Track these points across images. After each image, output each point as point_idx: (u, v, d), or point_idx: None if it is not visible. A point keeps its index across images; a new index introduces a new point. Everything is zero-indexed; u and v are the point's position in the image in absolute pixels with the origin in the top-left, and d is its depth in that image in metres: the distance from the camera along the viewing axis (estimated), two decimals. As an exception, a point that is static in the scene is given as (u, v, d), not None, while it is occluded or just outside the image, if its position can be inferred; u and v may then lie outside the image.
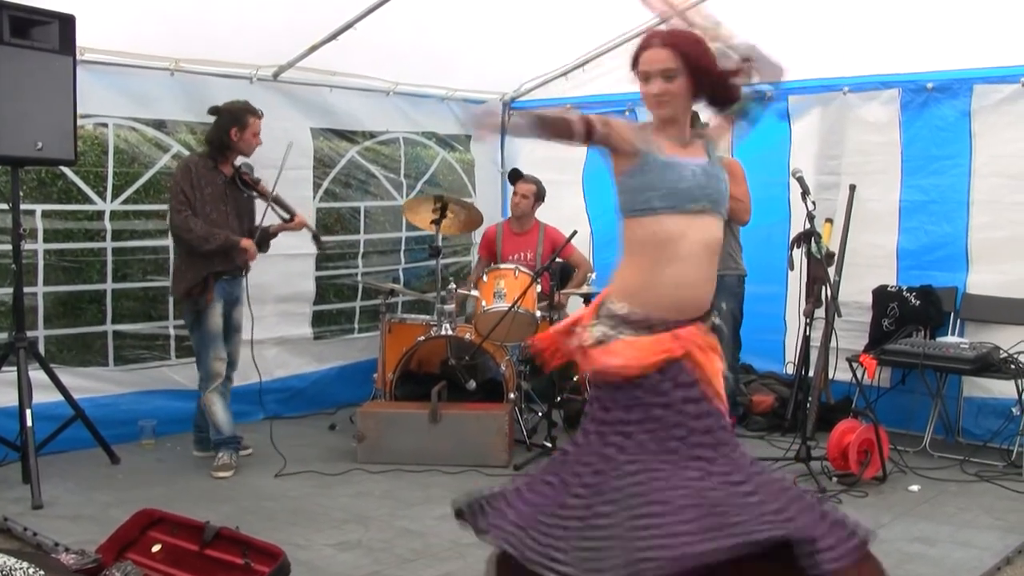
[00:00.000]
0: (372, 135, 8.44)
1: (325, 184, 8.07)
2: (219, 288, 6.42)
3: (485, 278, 7.10)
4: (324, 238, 7.80)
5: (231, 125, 6.38)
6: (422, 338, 7.02)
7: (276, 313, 7.73)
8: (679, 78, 3.38)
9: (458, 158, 9.17)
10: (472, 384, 6.86)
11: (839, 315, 6.86)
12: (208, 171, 6.39)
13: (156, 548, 4.68)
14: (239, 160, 6.57)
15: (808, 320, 6.63)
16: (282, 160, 6.52)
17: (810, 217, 6.45)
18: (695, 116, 3.63)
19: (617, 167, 3.46)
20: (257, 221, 6.66)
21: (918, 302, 7.20)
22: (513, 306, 6.70)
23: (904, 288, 7.30)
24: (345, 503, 5.86)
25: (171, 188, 6.40)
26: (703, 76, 3.41)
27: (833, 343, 7.31)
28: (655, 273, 3.39)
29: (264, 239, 6.72)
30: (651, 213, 3.39)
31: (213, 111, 6.48)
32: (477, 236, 8.60)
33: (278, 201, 6.65)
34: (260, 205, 6.67)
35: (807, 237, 6.46)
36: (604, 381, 3.41)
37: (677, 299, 3.42)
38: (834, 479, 6.24)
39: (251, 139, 6.44)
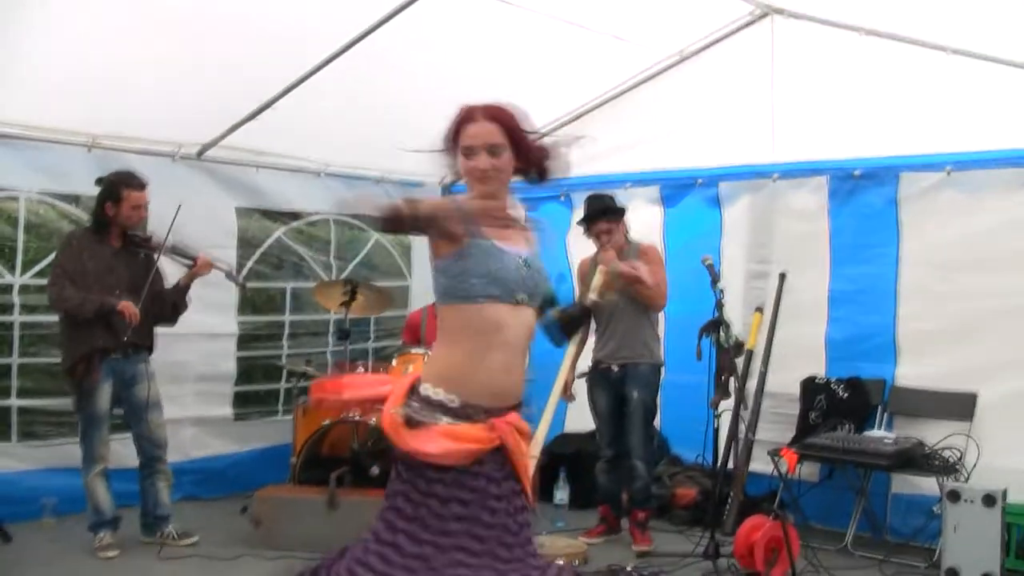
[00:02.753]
0: (300, 216, 8.37)
1: (250, 264, 7.99)
2: (107, 368, 6.25)
3: (395, 362, 6.97)
4: (249, 318, 7.74)
5: (105, 199, 6.26)
6: (327, 422, 6.86)
7: (195, 392, 7.63)
8: (505, 153, 3.29)
9: (393, 240, 9.08)
10: (375, 470, 6.67)
11: (750, 407, 6.68)
12: (92, 244, 6.27)
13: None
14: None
15: (716, 412, 6.44)
16: (172, 218, 6.42)
17: (719, 306, 6.31)
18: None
19: (437, 250, 3.31)
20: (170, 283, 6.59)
21: (846, 394, 7.02)
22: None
23: (832, 380, 7.11)
24: (222, 590, 5.69)
25: (52, 263, 6.32)
26: (525, 151, 3.35)
27: (760, 435, 7.17)
28: (475, 360, 3.26)
29: (178, 296, 6.59)
30: (473, 300, 3.26)
31: (98, 182, 6.35)
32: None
33: (175, 250, 6.51)
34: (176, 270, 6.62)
35: (715, 326, 6.30)
36: (414, 464, 3.25)
37: (496, 387, 3.30)
38: (740, 578, 6.02)
39: (129, 212, 6.28)
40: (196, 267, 6.56)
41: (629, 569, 5.98)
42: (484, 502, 3.22)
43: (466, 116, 3.35)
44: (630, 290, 6.61)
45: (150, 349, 6.55)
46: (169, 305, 6.59)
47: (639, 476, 6.71)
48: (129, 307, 6.15)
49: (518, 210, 3.46)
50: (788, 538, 6.02)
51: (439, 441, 3.19)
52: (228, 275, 6.85)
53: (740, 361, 6.85)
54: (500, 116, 3.33)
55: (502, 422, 3.26)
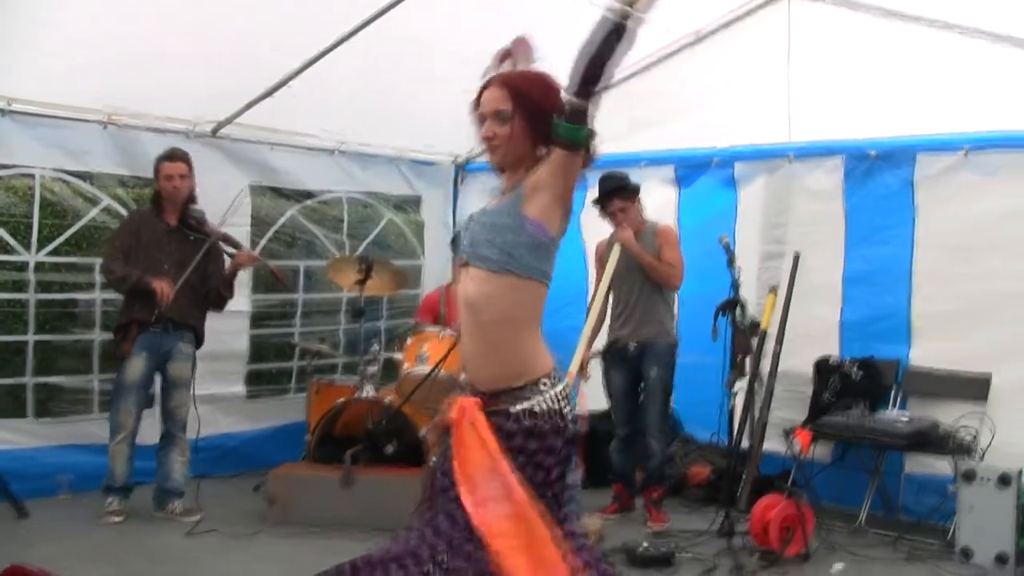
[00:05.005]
0: (314, 194, 8.36)
1: (263, 242, 7.98)
2: (144, 340, 6.42)
3: (409, 341, 6.97)
4: (262, 296, 7.78)
5: (153, 175, 6.56)
6: (341, 400, 6.87)
7: (209, 371, 7.58)
8: (512, 121, 3.14)
9: (407, 219, 9.09)
10: (390, 448, 6.69)
11: (765, 387, 6.68)
12: (150, 220, 6.55)
13: (15, 606, 4.57)
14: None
15: (732, 391, 6.45)
16: (232, 202, 6.79)
17: (735, 286, 6.31)
18: None
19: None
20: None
21: (860, 375, 7.00)
22: (434, 370, 6.54)
23: (846, 360, 7.10)
24: (240, 567, 5.71)
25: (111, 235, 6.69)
26: (541, 119, 3.08)
27: (774, 415, 7.17)
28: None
29: (223, 283, 6.77)
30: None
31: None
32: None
33: (226, 239, 6.75)
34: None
35: (731, 306, 6.30)
36: None
37: (464, 358, 3.27)
38: (755, 556, 6.02)
39: (164, 184, 6.53)
40: (238, 258, 6.77)
41: (644, 546, 5.98)
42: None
43: (485, 84, 3.25)
44: (646, 269, 6.65)
45: (194, 329, 6.69)
46: (213, 291, 6.74)
47: (654, 454, 6.72)
48: (163, 286, 6.32)
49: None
50: (803, 516, 6.05)
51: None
52: (271, 272, 7.01)
53: (755, 341, 6.83)
54: (513, 82, 3.18)
55: (465, 402, 3.16)
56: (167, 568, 5.64)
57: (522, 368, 3.15)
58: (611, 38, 2.93)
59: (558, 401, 3.14)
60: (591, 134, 3.05)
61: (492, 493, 3.06)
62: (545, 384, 3.15)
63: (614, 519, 6.81)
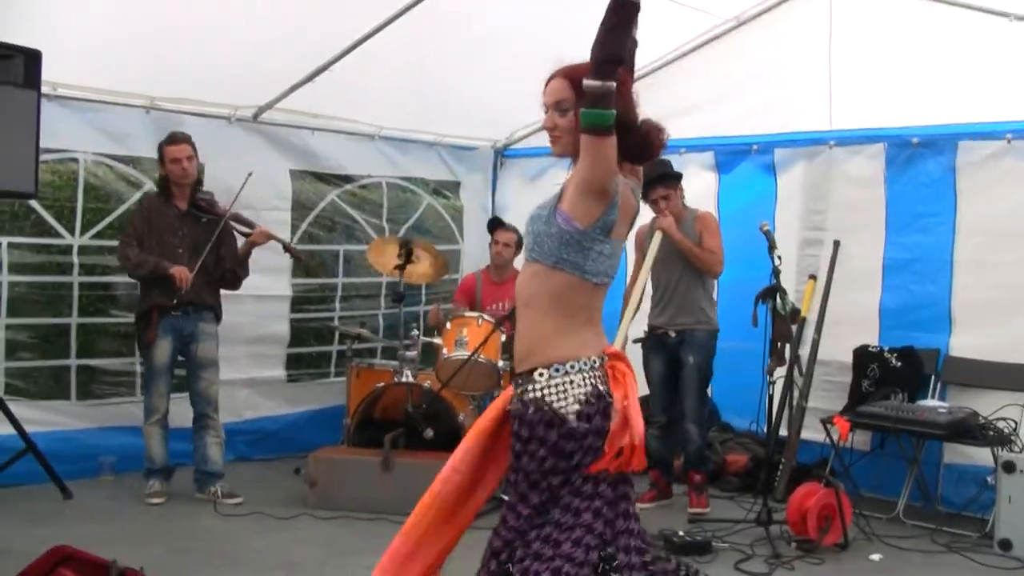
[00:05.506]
0: (354, 179, 8.40)
1: (303, 227, 8.04)
2: (167, 324, 6.49)
3: (449, 326, 7.00)
4: (302, 280, 7.82)
5: (159, 162, 6.62)
6: (381, 384, 6.92)
7: (248, 354, 7.71)
8: (573, 112, 3.10)
9: (446, 204, 9.12)
10: (429, 432, 6.73)
11: (803, 375, 6.67)
12: (160, 206, 6.58)
13: (61, 586, 4.62)
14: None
15: (771, 379, 6.43)
16: (241, 185, 6.72)
17: (776, 273, 6.29)
18: None
19: None
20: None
21: (899, 363, 6.97)
22: (473, 355, 6.57)
23: (885, 349, 7.07)
24: (281, 549, 5.75)
25: (126, 222, 6.70)
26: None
27: (812, 403, 7.16)
28: None
29: (238, 263, 6.82)
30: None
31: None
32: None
33: (237, 218, 6.79)
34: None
35: (772, 293, 6.28)
36: None
37: (516, 350, 3.29)
38: (793, 544, 6.02)
39: (171, 167, 6.56)
40: (253, 237, 6.80)
41: (681, 534, 5.99)
42: None
43: (550, 76, 3.22)
44: (687, 256, 6.65)
45: (213, 309, 6.74)
46: (229, 271, 6.78)
47: (693, 439, 6.73)
48: (182, 272, 6.39)
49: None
50: (841, 506, 6.04)
51: None
52: (285, 247, 7.01)
53: (795, 328, 6.81)
54: (575, 74, 3.10)
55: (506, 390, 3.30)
56: (211, 548, 5.71)
57: (529, 354, 3.19)
58: (625, 13, 2.94)
59: (556, 394, 3.11)
60: (615, 116, 2.98)
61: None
62: (542, 374, 3.13)
63: (651, 507, 6.82)
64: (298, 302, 8.09)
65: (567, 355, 3.15)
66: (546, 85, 3.22)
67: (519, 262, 7.56)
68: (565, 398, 3.10)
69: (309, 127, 7.89)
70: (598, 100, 2.94)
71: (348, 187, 8.36)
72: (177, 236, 6.55)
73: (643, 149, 3.21)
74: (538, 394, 3.12)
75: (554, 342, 3.16)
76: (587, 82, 2.94)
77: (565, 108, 3.15)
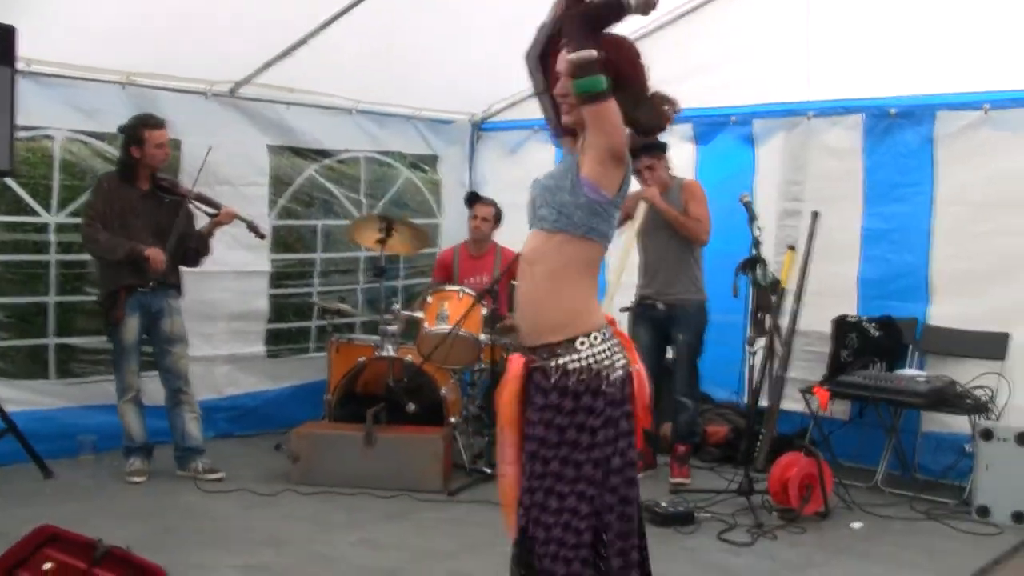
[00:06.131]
0: (331, 154, 8.36)
1: (282, 202, 7.99)
2: (134, 302, 6.46)
3: (430, 300, 6.99)
4: (281, 256, 7.80)
5: (130, 143, 6.45)
6: (363, 359, 6.91)
7: (227, 331, 7.68)
8: None
9: (424, 178, 9.09)
10: (412, 407, 6.74)
11: (784, 345, 6.70)
12: (121, 187, 6.47)
13: (48, 566, 4.56)
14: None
15: (751, 349, 6.47)
16: (203, 160, 6.65)
17: (756, 244, 6.31)
18: None
19: None
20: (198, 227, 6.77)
21: (878, 333, 7.01)
22: (454, 328, 6.57)
23: (864, 319, 7.11)
24: (266, 525, 5.76)
25: (85, 204, 6.56)
26: (621, 84, 3.08)
27: (792, 373, 7.20)
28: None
29: (201, 242, 6.78)
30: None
31: (120, 129, 6.53)
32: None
33: (200, 198, 6.73)
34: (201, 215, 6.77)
35: (752, 264, 6.30)
36: None
37: (516, 319, 3.30)
38: (774, 514, 6.07)
39: (153, 151, 6.46)
40: (219, 217, 6.76)
41: (664, 505, 6.03)
42: None
43: (562, 45, 3.15)
44: (673, 226, 6.66)
45: (176, 287, 6.70)
46: (192, 250, 6.76)
47: (685, 409, 6.77)
48: (156, 254, 6.36)
49: None
50: (822, 475, 6.09)
51: None
52: (250, 227, 6.95)
53: (775, 299, 6.85)
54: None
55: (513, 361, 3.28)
56: (195, 526, 5.72)
57: (562, 324, 3.16)
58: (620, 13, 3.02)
59: (597, 360, 3.13)
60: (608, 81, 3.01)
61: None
62: (583, 343, 3.14)
63: (639, 477, 6.84)
64: (277, 277, 8.05)
65: (599, 323, 3.22)
66: (556, 54, 3.18)
67: (500, 236, 7.64)
68: (611, 365, 3.15)
69: (286, 102, 7.83)
70: (584, 69, 2.97)
71: (326, 162, 8.31)
72: (140, 217, 6.46)
73: (653, 121, 3.24)
74: (585, 363, 3.12)
75: (587, 310, 3.21)
76: (569, 55, 2.98)
77: None
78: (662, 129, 3.29)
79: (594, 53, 2.97)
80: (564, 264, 3.18)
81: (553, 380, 3.13)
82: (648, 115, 3.21)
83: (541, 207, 3.20)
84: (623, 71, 3.14)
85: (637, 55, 3.21)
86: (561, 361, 3.14)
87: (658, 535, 5.73)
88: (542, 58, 3.33)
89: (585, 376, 3.12)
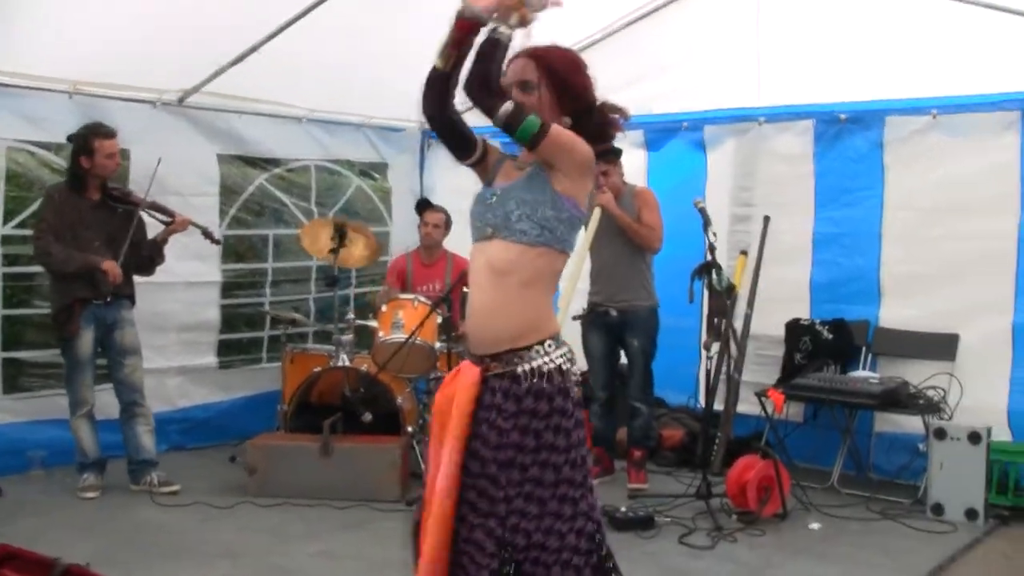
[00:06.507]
0: (282, 162, 8.29)
1: (232, 211, 7.90)
2: (88, 314, 6.36)
3: (384, 308, 6.95)
4: (233, 266, 7.74)
5: (79, 153, 6.34)
6: (318, 369, 6.87)
7: (179, 342, 7.59)
8: (538, 91, 3.14)
9: (374, 186, 9.04)
10: (368, 416, 6.70)
11: (738, 349, 6.76)
12: (71, 198, 6.36)
13: (4, 585, 4.52)
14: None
15: (709, 353, 6.51)
16: (154, 170, 6.58)
17: (711, 249, 6.35)
18: None
19: None
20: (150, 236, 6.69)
21: (830, 336, 7.11)
22: (410, 337, 6.54)
23: (817, 321, 7.20)
24: (224, 538, 5.69)
25: (36, 217, 6.45)
26: (567, 92, 3.16)
27: (746, 377, 7.25)
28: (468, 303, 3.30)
29: (155, 250, 6.70)
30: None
31: (69, 139, 6.44)
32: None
33: (155, 207, 6.65)
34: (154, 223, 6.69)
35: (707, 269, 6.34)
36: None
37: (472, 329, 3.25)
38: (733, 517, 6.10)
39: (104, 163, 6.36)
40: (173, 225, 6.68)
41: (623, 510, 6.04)
42: None
43: (513, 56, 3.20)
44: (626, 232, 6.67)
45: (130, 297, 6.61)
46: (146, 258, 6.68)
47: (640, 415, 6.79)
48: (112, 267, 6.27)
49: None
50: (780, 477, 6.14)
51: None
52: (205, 233, 6.89)
53: (730, 304, 6.91)
54: (542, 54, 3.18)
55: (460, 373, 3.23)
56: (152, 540, 5.63)
57: (532, 329, 3.15)
58: (499, 52, 3.06)
59: (564, 362, 3.15)
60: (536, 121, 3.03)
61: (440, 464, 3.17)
62: (550, 345, 3.15)
63: (595, 483, 6.83)
64: (228, 288, 7.96)
65: (558, 327, 3.28)
66: (508, 64, 3.19)
67: (449, 242, 7.61)
68: (571, 367, 3.19)
69: (236, 111, 7.76)
70: (513, 121, 3.02)
71: (276, 171, 8.23)
72: (92, 228, 6.36)
73: (601, 130, 3.25)
74: (555, 364, 3.13)
75: (550, 315, 3.25)
76: (494, 121, 3.03)
77: (531, 87, 3.16)
78: (612, 138, 3.32)
79: (510, 104, 3.01)
80: (539, 275, 3.18)
81: (526, 385, 3.11)
82: (597, 124, 3.24)
83: (519, 221, 3.15)
84: (569, 82, 3.18)
85: (582, 65, 3.24)
86: (535, 364, 3.12)
87: (619, 540, 5.73)
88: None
89: (556, 378, 3.12)
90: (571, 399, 3.15)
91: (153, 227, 6.72)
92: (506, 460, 3.10)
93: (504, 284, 3.16)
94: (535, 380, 3.11)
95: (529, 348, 3.13)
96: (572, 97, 3.17)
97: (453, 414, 3.15)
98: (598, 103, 3.25)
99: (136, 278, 6.69)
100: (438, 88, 3.17)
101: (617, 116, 3.28)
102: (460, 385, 3.18)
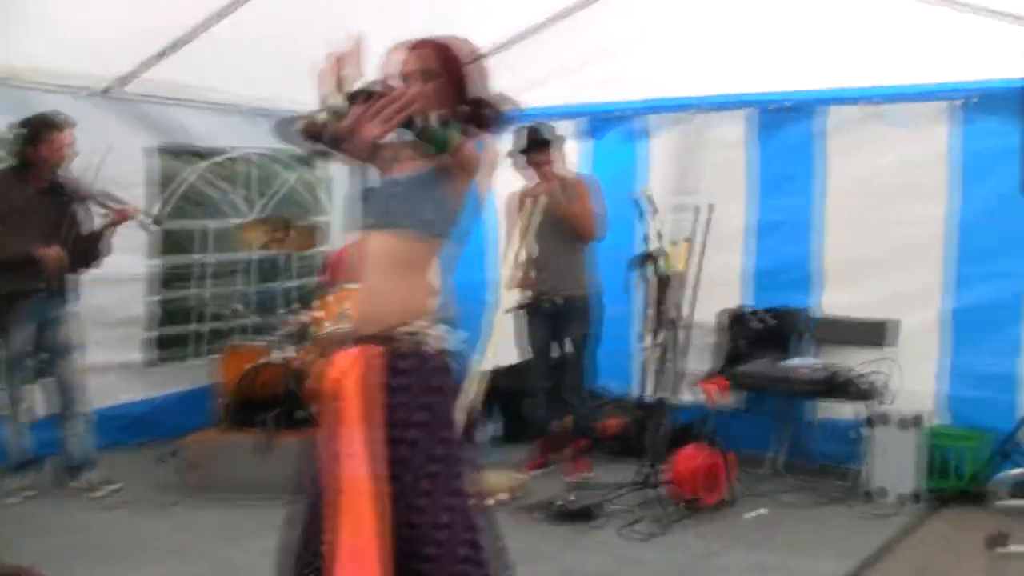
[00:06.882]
0: (218, 153, 8.13)
1: (167, 203, 7.72)
2: (27, 308, 6.18)
3: (331, 299, 6.85)
4: (168, 258, 7.63)
5: (30, 142, 6.17)
6: (257, 362, 6.76)
7: (111, 337, 7.37)
8: (437, 81, 3.25)
9: (313, 176, 8.92)
10: (304, 412, 6.60)
11: (681, 337, 6.78)
12: (14, 185, 6.19)
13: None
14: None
15: (652, 342, 6.52)
16: (99, 161, 6.41)
17: (656, 237, 6.36)
18: None
19: None
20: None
21: (770, 323, 7.16)
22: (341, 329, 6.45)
23: (756, 309, 7.25)
24: (169, 536, 5.61)
25: None
26: (465, 83, 3.29)
27: (687, 365, 7.27)
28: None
29: (100, 242, 6.52)
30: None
31: (22, 124, 6.23)
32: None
33: (103, 196, 6.47)
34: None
35: (650, 258, 6.35)
36: None
37: (361, 313, 3.32)
38: (680, 505, 6.12)
39: (55, 154, 6.20)
40: (118, 214, 6.49)
41: (568, 500, 6.04)
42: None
43: (412, 45, 3.32)
44: (567, 222, 6.66)
45: (73, 291, 6.46)
46: (93, 249, 6.49)
47: (578, 406, 6.78)
48: (51, 252, 6.08)
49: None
50: (724, 464, 6.17)
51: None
52: (153, 221, 6.79)
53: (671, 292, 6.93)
54: (442, 45, 3.31)
55: (352, 351, 3.25)
56: (96, 540, 5.52)
57: (412, 309, 3.27)
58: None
59: (441, 341, 3.29)
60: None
61: (353, 450, 3.18)
62: (428, 324, 3.27)
63: (537, 474, 6.86)
64: (164, 280, 7.79)
65: (434, 306, 3.37)
66: (407, 53, 3.30)
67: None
68: (448, 346, 3.35)
69: (170, 100, 7.59)
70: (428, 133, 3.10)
71: (212, 161, 8.09)
72: (36, 216, 6.18)
73: (493, 118, 3.35)
74: (441, 340, 3.28)
75: (429, 297, 3.35)
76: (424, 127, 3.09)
77: (430, 77, 3.25)
78: (504, 127, 3.45)
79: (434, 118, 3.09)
80: (427, 261, 3.31)
81: (432, 364, 3.25)
82: (490, 113, 3.33)
83: (401, 217, 3.25)
84: (467, 71, 3.31)
85: (472, 55, 3.34)
86: (431, 341, 3.25)
87: (569, 530, 5.78)
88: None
89: (445, 353, 3.30)
90: (449, 376, 3.31)
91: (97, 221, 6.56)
92: (415, 439, 3.19)
93: (379, 270, 3.26)
94: (435, 356, 3.25)
95: (425, 325, 3.25)
96: (469, 86, 3.29)
97: (356, 398, 3.17)
98: (491, 93, 3.36)
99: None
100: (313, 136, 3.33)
101: (505, 106, 3.37)
102: (357, 368, 3.20)
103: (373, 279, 3.28)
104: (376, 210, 3.28)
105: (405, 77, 3.26)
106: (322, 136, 3.24)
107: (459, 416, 3.41)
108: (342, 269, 7.56)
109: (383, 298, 3.27)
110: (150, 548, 5.38)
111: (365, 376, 3.17)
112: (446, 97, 3.25)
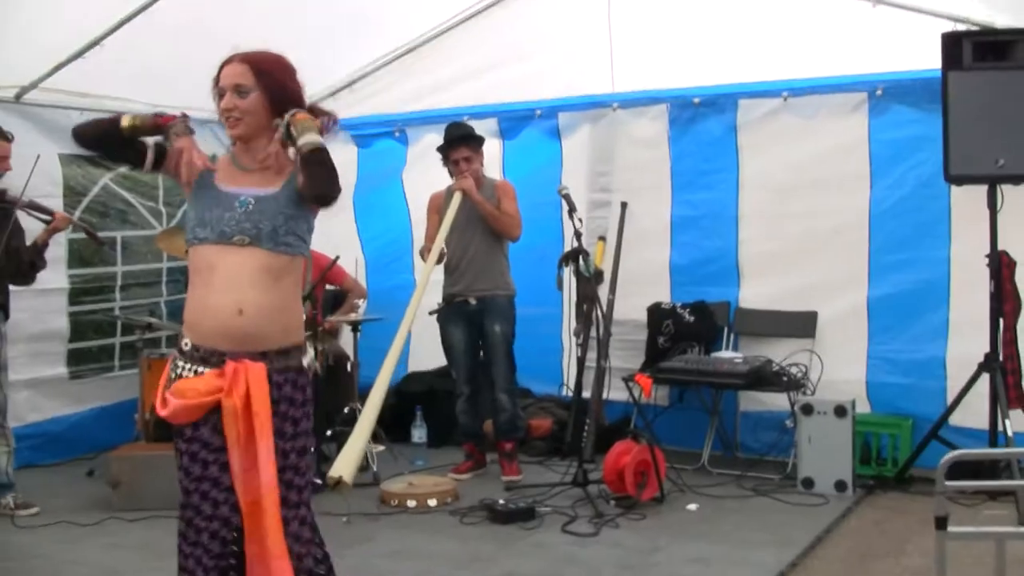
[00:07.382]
0: (125, 161, 7.92)
1: (77, 213, 7.48)
2: None
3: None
4: (79, 271, 7.42)
5: None
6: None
7: (27, 353, 7.16)
8: (253, 94, 3.36)
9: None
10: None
11: (608, 334, 6.80)
12: None
13: None
14: None
15: (578, 341, 6.52)
16: (31, 170, 6.20)
17: (577, 235, 6.37)
18: None
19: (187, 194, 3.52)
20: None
21: (692, 318, 7.21)
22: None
23: (678, 304, 7.30)
24: (96, 556, 5.42)
25: None
26: (280, 95, 3.38)
27: (612, 363, 7.29)
28: (199, 302, 3.37)
29: (36, 254, 6.35)
30: (191, 243, 3.41)
31: None
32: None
33: (32, 206, 6.31)
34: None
35: (575, 256, 6.35)
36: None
37: (228, 329, 3.29)
38: (612, 502, 6.14)
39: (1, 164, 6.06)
40: (54, 223, 6.35)
41: (503, 502, 6.01)
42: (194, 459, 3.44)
43: (226, 60, 3.43)
44: (492, 220, 6.63)
45: (4, 307, 6.24)
46: (26, 263, 6.30)
47: (504, 408, 6.74)
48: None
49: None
50: (655, 461, 6.19)
51: (169, 400, 3.36)
52: (87, 232, 6.65)
53: (604, 289, 6.96)
54: (255, 59, 3.41)
55: (239, 365, 3.27)
56: (22, 565, 5.33)
57: (299, 327, 3.48)
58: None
59: (310, 356, 3.52)
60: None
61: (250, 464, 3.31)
62: (305, 339, 3.52)
63: (467, 477, 6.82)
64: (76, 294, 7.56)
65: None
66: (220, 69, 3.43)
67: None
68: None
69: (78, 107, 7.34)
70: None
71: (121, 170, 7.88)
72: None
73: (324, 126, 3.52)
74: (309, 358, 3.49)
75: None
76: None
77: (245, 91, 3.36)
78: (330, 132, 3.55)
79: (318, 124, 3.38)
80: (296, 279, 3.47)
81: (310, 377, 3.46)
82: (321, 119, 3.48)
83: (286, 235, 3.35)
84: (282, 85, 3.41)
85: (293, 70, 3.47)
86: (307, 359, 3.45)
87: (503, 533, 5.74)
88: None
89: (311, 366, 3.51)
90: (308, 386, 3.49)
91: (31, 232, 6.40)
92: (301, 448, 3.40)
93: (280, 286, 3.36)
94: (311, 372, 3.47)
95: (299, 343, 3.44)
96: (285, 100, 3.38)
97: (258, 413, 3.27)
98: (307, 105, 3.46)
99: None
100: (113, 144, 3.64)
101: (326, 119, 3.51)
102: (255, 384, 3.27)
103: (263, 293, 3.31)
104: (250, 227, 3.31)
105: (221, 92, 3.39)
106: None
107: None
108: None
109: (288, 314, 3.39)
110: (78, 571, 5.20)
111: (267, 392, 3.29)
112: (262, 111, 3.36)
